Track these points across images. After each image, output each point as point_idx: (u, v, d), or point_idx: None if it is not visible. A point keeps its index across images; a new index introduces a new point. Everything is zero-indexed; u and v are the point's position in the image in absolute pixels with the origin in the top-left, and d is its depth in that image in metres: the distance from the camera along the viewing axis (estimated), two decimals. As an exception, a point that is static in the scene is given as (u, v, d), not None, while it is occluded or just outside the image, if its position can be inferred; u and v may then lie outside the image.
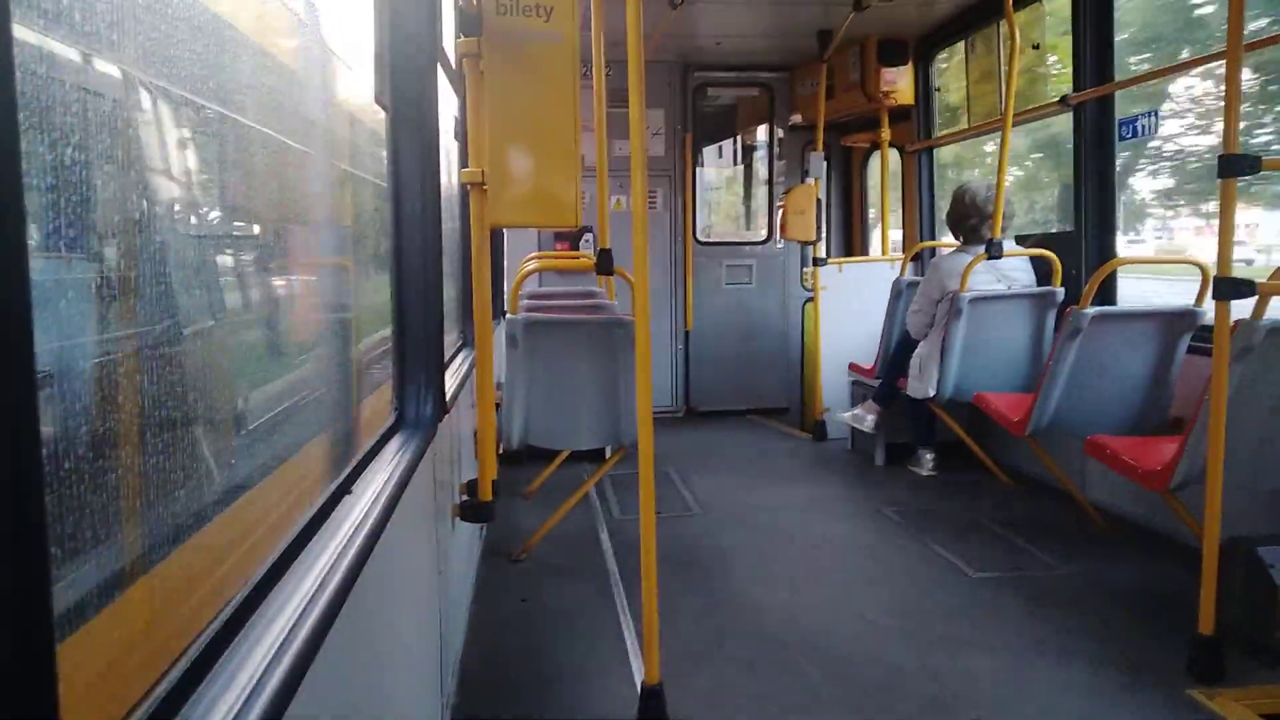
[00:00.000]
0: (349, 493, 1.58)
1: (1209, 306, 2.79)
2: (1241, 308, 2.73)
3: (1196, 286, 3.83)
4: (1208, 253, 3.77)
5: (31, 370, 0.54)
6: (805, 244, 6.69)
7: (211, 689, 0.91)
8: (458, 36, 2.68)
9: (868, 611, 3.23)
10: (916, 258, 6.14)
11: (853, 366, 5.93)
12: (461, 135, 3.74)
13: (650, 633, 2.46)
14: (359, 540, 1.33)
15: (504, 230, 5.89)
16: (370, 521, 1.42)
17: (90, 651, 0.84)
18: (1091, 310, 3.78)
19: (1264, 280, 2.67)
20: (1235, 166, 2.51)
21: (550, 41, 2.55)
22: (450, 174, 3.63)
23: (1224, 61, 2.59)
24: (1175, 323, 3.88)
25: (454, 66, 3.16)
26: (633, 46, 2.39)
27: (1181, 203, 6.57)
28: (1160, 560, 3.67)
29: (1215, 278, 2.60)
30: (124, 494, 0.93)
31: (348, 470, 1.69)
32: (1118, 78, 4.39)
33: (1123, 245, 4.65)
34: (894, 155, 6.73)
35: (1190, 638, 2.70)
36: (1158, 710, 2.51)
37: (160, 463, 1.02)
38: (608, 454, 4.16)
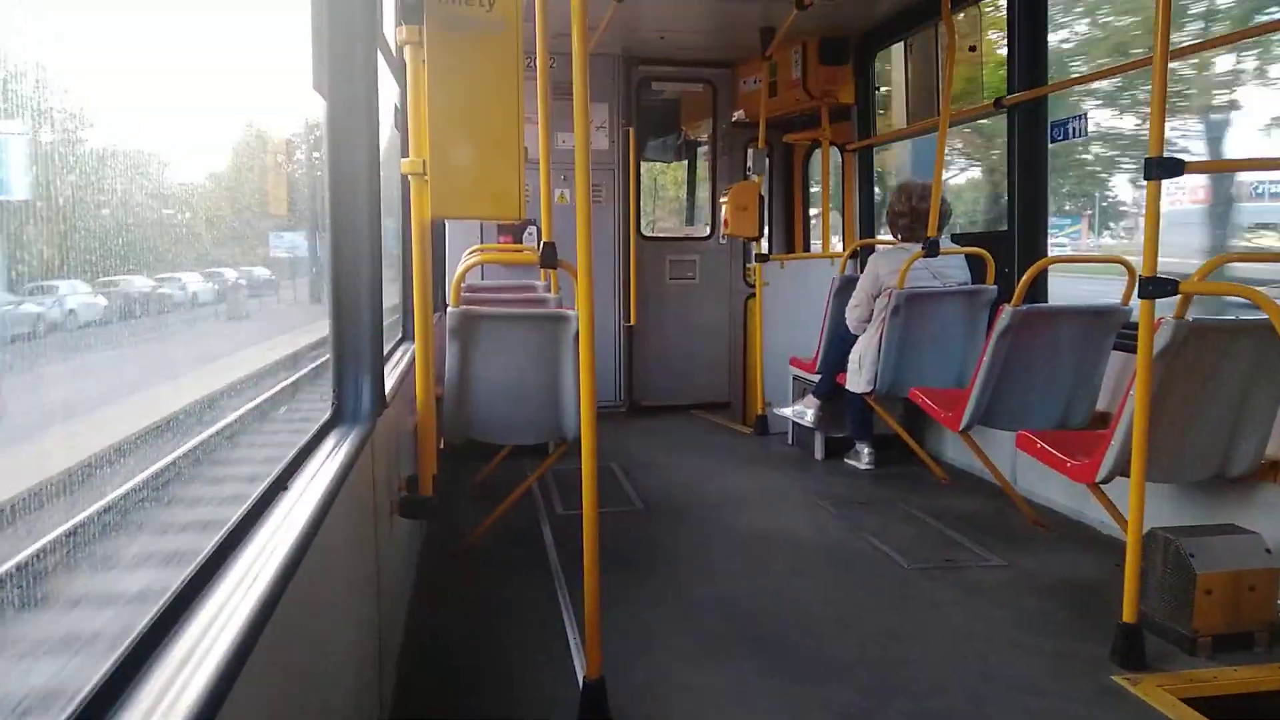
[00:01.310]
0: (285, 489, 1.55)
1: (1135, 305, 2.88)
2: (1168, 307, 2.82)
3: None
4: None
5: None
6: (748, 240, 6.73)
7: (138, 693, 0.87)
8: (398, 23, 2.64)
9: (805, 603, 3.27)
10: (855, 254, 6.24)
11: (794, 361, 5.99)
12: (403, 125, 3.68)
13: (592, 628, 2.45)
14: (294, 538, 1.31)
15: (445, 222, 5.81)
16: (306, 519, 1.39)
17: None
18: (1022, 308, 3.88)
19: (1186, 280, 2.77)
20: (1160, 169, 2.59)
21: (492, 31, 2.52)
22: (391, 164, 3.57)
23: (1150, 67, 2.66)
24: (1102, 320, 3.99)
25: (395, 54, 3.11)
26: (577, 38, 2.37)
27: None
28: (1087, 551, 3.78)
29: (1140, 277, 2.69)
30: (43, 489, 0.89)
31: (283, 465, 1.65)
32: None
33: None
34: (835, 154, 6.82)
35: (1114, 626, 2.80)
36: (1083, 696, 2.59)
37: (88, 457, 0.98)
38: (550, 449, 4.14)
